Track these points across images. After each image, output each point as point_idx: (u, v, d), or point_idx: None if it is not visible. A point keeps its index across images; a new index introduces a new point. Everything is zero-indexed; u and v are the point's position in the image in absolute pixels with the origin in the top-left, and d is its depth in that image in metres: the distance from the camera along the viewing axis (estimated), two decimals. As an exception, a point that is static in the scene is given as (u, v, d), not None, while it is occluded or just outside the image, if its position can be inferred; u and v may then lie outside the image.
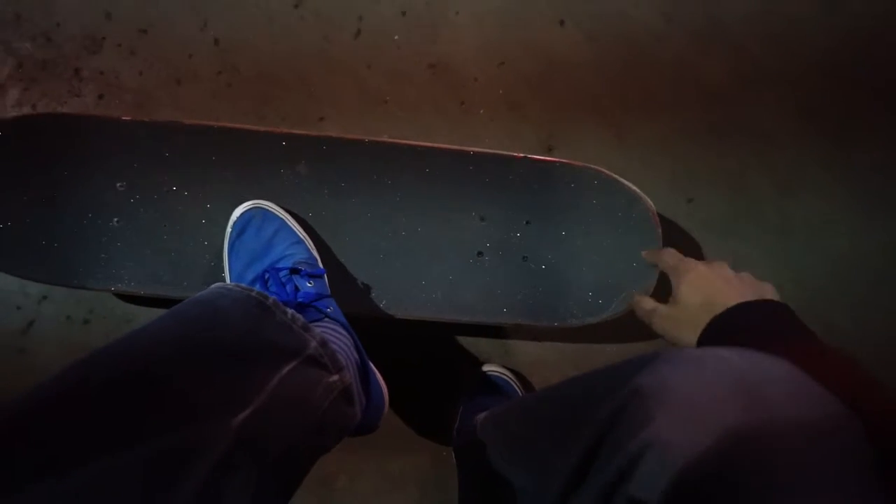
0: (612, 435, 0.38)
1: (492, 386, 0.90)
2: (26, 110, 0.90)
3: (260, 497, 0.44)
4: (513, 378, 0.91)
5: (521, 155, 0.82)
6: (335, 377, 0.57)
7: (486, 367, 0.92)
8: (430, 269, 0.83)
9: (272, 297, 0.58)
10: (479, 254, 0.84)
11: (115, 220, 0.81)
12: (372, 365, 0.73)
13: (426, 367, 0.93)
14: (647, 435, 0.35)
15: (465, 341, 0.94)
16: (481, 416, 0.74)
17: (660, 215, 0.85)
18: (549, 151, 0.95)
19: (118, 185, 0.81)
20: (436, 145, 0.83)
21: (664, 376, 0.38)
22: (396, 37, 0.95)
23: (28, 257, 0.80)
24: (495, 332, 0.94)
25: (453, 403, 0.88)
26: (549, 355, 0.94)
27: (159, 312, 0.51)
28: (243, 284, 0.61)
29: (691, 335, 0.64)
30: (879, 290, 0.95)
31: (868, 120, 0.98)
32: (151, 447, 0.37)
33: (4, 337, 0.89)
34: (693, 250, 0.95)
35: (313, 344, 0.56)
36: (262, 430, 0.45)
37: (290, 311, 0.58)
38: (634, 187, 0.82)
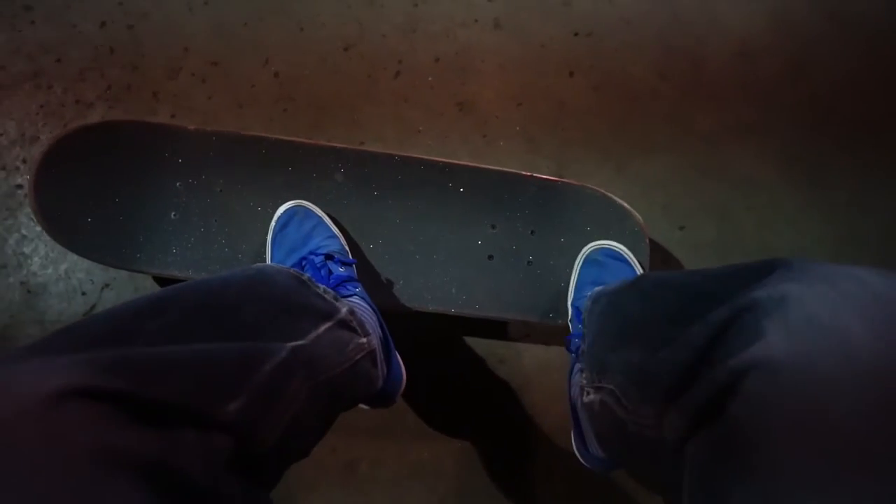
0: (722, 346, 0.36)
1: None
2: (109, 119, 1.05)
3: (310, 402, 0.52)
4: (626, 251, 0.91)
5: (530, 174, 0.94)
6: (363, 340, 0.65)
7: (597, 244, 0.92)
8: (446, 268, 0.93)
9: (307, 275, 0.67)
10: (490, 257, 0.94)
11: (173, 214, 0.91)
12: (394, 345, 0.82)
13: (443, 364, 1.01)
14: (756, 352, 0.33)
15: (480, 343, 1.02)
16: (596, 290, 0.76)
17: (655, 241, 0.96)
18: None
19: (177, 184, 0.92)
20: (456, 162, 0.94)
21: (785, 291, 0.34)
22: (430, 78, 1.09)
23: (95, 242, 0.90)
24: (507, 335, 1.02)
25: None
26: (556, 357, 1.02)
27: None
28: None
29: None
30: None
31: (837, 164, 1.10)
32: (235, 344, 0.46)
33: (69, 318, 0.99)
34: (685, 274, 1.04)
35: (344, 310, 0.64)
36: (309, 357, 0.53)
37: (321, 286, 0.67)
38: (626, 204, 0.93)
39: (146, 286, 1.00)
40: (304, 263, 0.82)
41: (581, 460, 0.82)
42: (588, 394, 0.61)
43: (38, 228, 0.96)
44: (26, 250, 1.00)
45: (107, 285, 1.01)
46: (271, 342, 0.50)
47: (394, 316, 0.89)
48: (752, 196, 1.08)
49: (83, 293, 1.00)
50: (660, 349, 0.44)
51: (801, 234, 1.07)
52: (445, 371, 1.01)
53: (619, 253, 0.90)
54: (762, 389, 0.32)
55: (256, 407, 0.44)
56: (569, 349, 0.81)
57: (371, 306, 0.80)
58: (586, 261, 0.92)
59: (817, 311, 0.32)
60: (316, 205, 0.91)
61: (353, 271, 0.86)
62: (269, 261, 0.89)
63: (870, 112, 1.12)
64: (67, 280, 1.00)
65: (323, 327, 0.58)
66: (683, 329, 0.41)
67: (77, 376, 0.33)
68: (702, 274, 0.49)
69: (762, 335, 0.33)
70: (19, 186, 1.01)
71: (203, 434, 0.39)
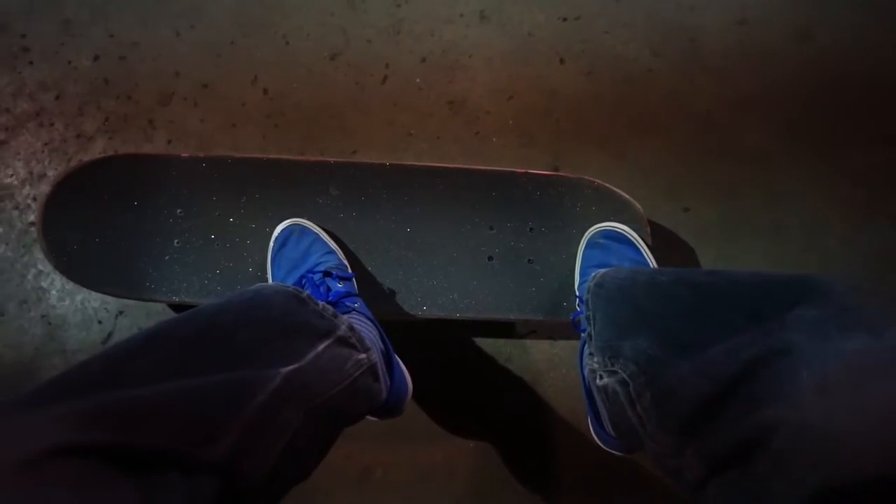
0: (749, 386, 0.34)
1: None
2: (109, 154, 1.07)
3: (306, 428, 0.52)
4: (632, 233, 0.89)
5: (523, 171, 0.93)
6: (363, 355, 0.65)
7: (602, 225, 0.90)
8: (446, 273, 0.93)
9: (306, 292, 0.67)
10: (490, 258, 0.93)
11: (176, 241, 0.93)
12: (397, 356, 0.82)
13: (451, 366, 1.01)
14: (790, 408, 0.31)
15: (486, 342, 1.02)
16: (600, 272, 0.74)
17: (660, 224, 0.94)
18: (556, 171, 1.04)
19: (178, 211, 0.93)
20: (448, 165, 0.94)
21: (824, 339, 0.32)
22: (418, 79, 1.09)
23: (106, 276, 0.92)
24: (513, 333, 1.02)
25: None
26: (563, 352, 1.01)
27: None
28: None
29: None
30: (879, 287, 1.00)
31: (846, 133, 1.05)
32: (226, 375, 0.47)
33: (89, 346, 1.02)
34: (692, 255, 1.02)
35: (343, 327, 0.64)
36: (304, 381, 0.53)
37: (321, 303, 0.67)
38: (624, 193, 0.91)
39: (158, 310, 1.03)
40: (303, 281, 0.83)
41: (597, 441, 0.82)
42: (601, 377, 0.60)
43: (52, 264, 1.00)
44: (44, 284, 1.04)
45: (121, 312, 1.03)
46: (265, 369, 0.50)
47: (398, 322, 0.90)
48: (757, 172, 1.04)
49: (99, 321, 1.03)
50: (674, 352, 0.43)
51: (813, 208, 1.03)
52: (453, 373, 1.01)
53: (621, 234, 0.89)
54: (794, 455, 0.30)
55: (247, 443, 0.44)
56: (576, 329, 0.80)
57: (371, 319, 0.80)
58: (589, 244, 0.91)
59: (858, 372, 0.30)
60: (312, 220, 0.92)
61: (353, 285, 0.86)
62: (270, 281, 0.90)
63: (880, 76, 1.07)
64: (84, 310, 1.03)
65: (321, 346, 0.59)
66: (702, 335, 0.40)
67: (56, 434, 0.34)
68: (726, 278, 0.48)
69: (796, 389, 0.31)
70: (32, 224, 1.05)
71: (188, 478, 0.39)
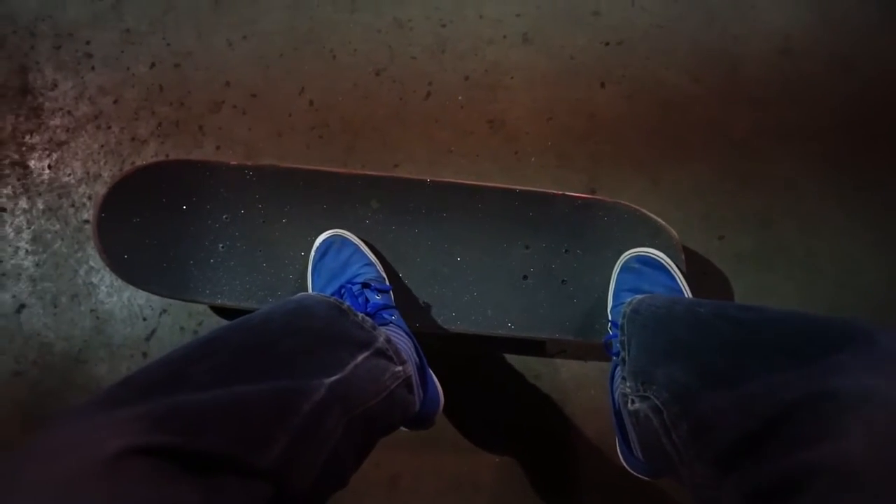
0: (792, 427, 0.35)
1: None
2: (161, 159, 1.12)
3: (347, 436, 0.54)
4: (666, 259, 0.90)
5: (560, 192, 0.94)
6: (399, 368, 0.67)
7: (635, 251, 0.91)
8: (481, 290, 0.95)
9: (346, 303, 0.70)
10: (525, 277, 0.95)
11: (221, 245, 0.96)
12: (430, 370, 0.84)
13: (481, 381, 1.03)
14: (834, 452, 0.31)
15: (516, 359, 1.03)
16: (636, 298, 0.75)
17: (693, 251, 0.94)
18: (592, 194, 1.06)
19: (224, 216, 0.96)
20: (487, 184, 0.95)
21: (870, 387, 0.32)
22: (460, 97, 1.11)
23: (153, 276, 0.96)
24: (542, 351, 1.03)
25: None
26: (592, 373, 1.02)
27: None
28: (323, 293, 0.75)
29: None
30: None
31: (884, 166, 1.05)
32: (274, 384, 0.49)
33: (132, 342, 1.07)
34: (725, 283, 1.03)
35: (381, 339, 0.67)
36: (346, 392, 0.55)
37: (360, 314, 0.70)
38: (659, 220, 0.92)
39: (200, 310, 1.06)
40: (342, 291, 0.85)
41: (625, 464, 0.82)
42: (633, 402, 0.61)
43: (103, 261, 1.04)
44: (94, 280, 1.08)
45: (164, 311, 1.07)
46: (310, 379, 0.52)
47: (431, 335, 0.92)
48: (794, 203, 1.04)
49: (144, 318, 1.07)
50: (711, 384, 0.44)
51: (850, 241, 1.03)
52: (483, 387, 1.03)
53: (655, 260, 0.90)
54: (838, 499, 0.30)
55: (295, 450, 0.46)
56: (608, 352, 0.82)
57: (407, 332, 0.82)
58: (623, 268, 0.92)
59: None
60: (353, 232, 0.95)
61: (390, 298, 0.88)
62: (310, 289, 0.93)
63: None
64: (130, 307, 1.08)
65: (361, 357, 0.61)
66: (740, 370, 0.41)
67: (133, 434, 0.37)
68: (766, 315, 0.48)
69: (842, 434, 0.31)
70: (86, 221, 1.09)
71: (245, 482, 0.42)
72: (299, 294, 0.72)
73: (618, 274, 0.92)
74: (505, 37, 1.12)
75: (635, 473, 0.80)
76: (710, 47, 1.10)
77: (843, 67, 1.09)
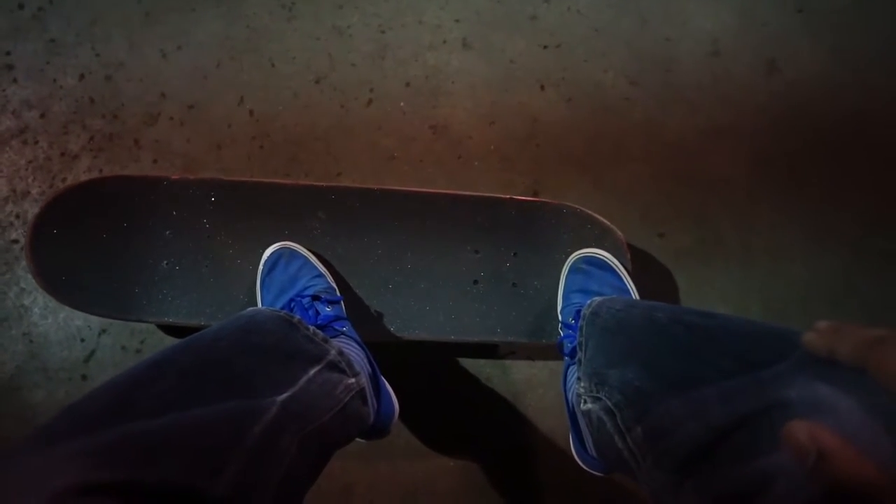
0: (748, 434, 0.37)
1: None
2: (95, 174, 1.07)
3: (301, 454, 0.54)
4: (612, 259, 0.92)
5: (508, 197, 0.95)
6: (352, 380, 0.67)
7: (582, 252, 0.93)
8: (433, 296, 0.95)
9: (297, 317, 0.69)
10: (475, 282, 0.96)
11: (165, 262, 0.94)
12: (383, 378, 0.84)
13: (434, 386, 1.03)
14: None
15: (467, 363, 1.04)
16: (596, 300, 0.76)
17: (635, 248, 0.97)
18: (535, 196, 1.08)
19: (167, 233, 0.94)
20: (434, 191, 0.96)
21: (818, 395, 0.34)
22: (402, 104, 1.11)
23: (92, 296, 0.92)
24: (493, 354, 1.05)
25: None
26: (542, 373, 1.04)
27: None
28: (273, 307, 0.73)
29: None
30: (837, 310, 1.05)
31: (812, 162, 1.11)
32: (225, 405, 0.48)
33: (70, 364, 1.02)
34: (667, 278, 1.07)
35: (333, 352, 0.66)
36: (298, 408, 0.55)
37: (311, 327, 0.69)
38: (605, 221, 0.94)
39: (142, 328, 1.03)
40: (292, 305, 0.84)
41: (578, 460, 0.85)
42: (586, 402, 0.63)
43: (35, 284, 1.00)
44: (26, 302, 1.03)
45: (104, 331, 1.03)
46: (262, 398, 0.52)
47: (384, 344, 0.92)
48: (728, 199, 1.09)
49: (82, 340, 1.03)
50: (665, 388, 0.45)
51: (781, 235, 1.08)
52: (435, 392, 1.04)
53: (602, 260, 0.92)
54: (794, 498, 0.32)
55: (248, 474, 0.46)
56: (561, 352, 0.83)
57: (359, 343, 0.82)
58: (571, 269, 0.94)
59: (851, 425, 0.32)
60: (301, 243, 0.94)
61: (341, 309, 0.88)
62: (259, 303, 0.92)
63: (842, 107, 1.13)
64: (66, 328, 1.03)
65: (313, 371, 0.61)
66: (693, 373, 0.42)
67: (76, 472, 0.35)
68: (720, 322, 0.50)
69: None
70: (15, 241, 1.04)
71: None
72: (249, 309, 0.71)
73: (566, 275, 0.94)
74: (445, 42, 1.12)
75: (589, 470, 0.82)
76: (645, 49, 1.14)
77: (767, 68, 1.14)
